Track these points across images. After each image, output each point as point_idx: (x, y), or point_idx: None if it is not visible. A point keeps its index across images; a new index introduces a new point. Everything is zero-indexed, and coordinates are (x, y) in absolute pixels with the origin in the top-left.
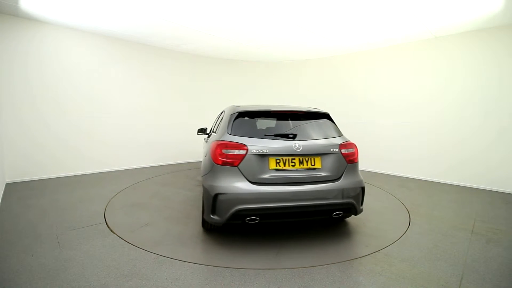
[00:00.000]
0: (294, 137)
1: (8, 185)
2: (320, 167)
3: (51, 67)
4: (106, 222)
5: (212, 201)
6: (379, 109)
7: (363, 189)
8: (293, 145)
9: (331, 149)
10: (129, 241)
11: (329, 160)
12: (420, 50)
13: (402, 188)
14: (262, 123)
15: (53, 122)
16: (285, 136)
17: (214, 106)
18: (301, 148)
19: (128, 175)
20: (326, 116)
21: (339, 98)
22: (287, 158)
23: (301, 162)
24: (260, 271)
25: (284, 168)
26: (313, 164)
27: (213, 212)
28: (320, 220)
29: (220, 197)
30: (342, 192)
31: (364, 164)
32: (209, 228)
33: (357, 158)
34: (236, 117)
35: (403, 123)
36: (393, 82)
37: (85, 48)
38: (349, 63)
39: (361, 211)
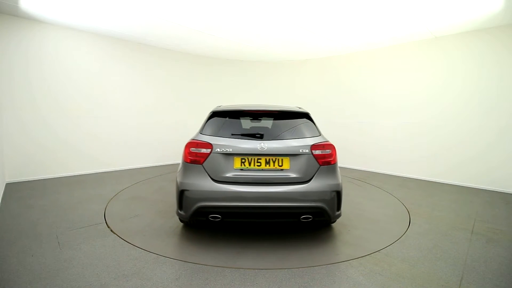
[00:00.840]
0: (261, 137)
1: (8, 185)
2: (289, 168)
3: (51, 67)
4: (106, 222)
5: (179, 197)
6: (379, 109)
7: (338, 193)
8: (258, 145)
9: (301, 150)
10: (129, 241)
11: (299, 161)
12: (420, 50)
13: (402, 188)
14: (235, 123)
15: (53, 122)
16: (252, 136)
17: (214, 105)
18: (266, 148)
19: (128, 175)
20: (305, 115)
21: (339, 98)
22: (252, 158)
23: (267, 163)
24: (260, 271)
25: (249, 168)
26: (280, 165)
27: (180, 207)
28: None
29: (185, 193)
30: (311, 195)
31: (364, 164)
32: (187, 223)
33: (334, 160)
34: (210, 117)
35: (403, 123)
36: (393, 82)
37: (85, 48)
38: (349, 63)
39: (337, 217)
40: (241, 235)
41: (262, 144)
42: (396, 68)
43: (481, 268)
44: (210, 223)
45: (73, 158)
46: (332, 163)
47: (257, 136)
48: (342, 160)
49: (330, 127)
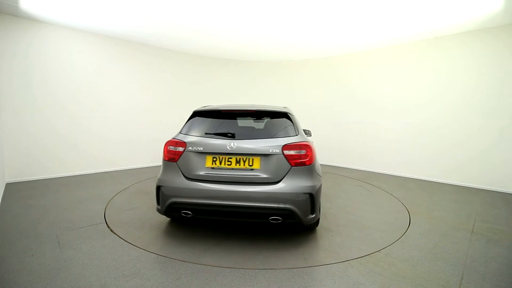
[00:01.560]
0: (232, 136)
1: (8, 185)
2: (259, 168)
3: (51, 66)
4: (106, 222)
5: (156, 193)
6: (379, 109)
7: (311, 195)
8: (228, 144)
9: (271, 150)
10: (129, 241)
11: (270, 162)
12: (420, 50)
13: (402, 188)
14: (212, 123)
15: (53, 121)
16: (224, 135)
17: (213, 105)
18: (235, 147)
19: (129, 174)
20: (284, 115)
21: (339, 98)
22: (223, 157)
23: (237, 162)
24: (260, 271)
25: (220, 166)
26: (250, 164)
27: (157, 202)
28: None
29: (161, 189)
30: (280, 196)
31: (364, 164)
32: (174, 218)
33: (310, 161)
34: (191, 117)
35: (403, 123)
36: (393, 82)
37: (85, 48)
38: (349, 63)
39: (311, 220)
40: (217, 232)
41: (231, 143)
42: (396, 68)
43: (481, 268)
44: (194, 220)
45: (73, 158)
46: (307, 164)
47: (228, 135)
48: (343, 160)
49: (330, 127)
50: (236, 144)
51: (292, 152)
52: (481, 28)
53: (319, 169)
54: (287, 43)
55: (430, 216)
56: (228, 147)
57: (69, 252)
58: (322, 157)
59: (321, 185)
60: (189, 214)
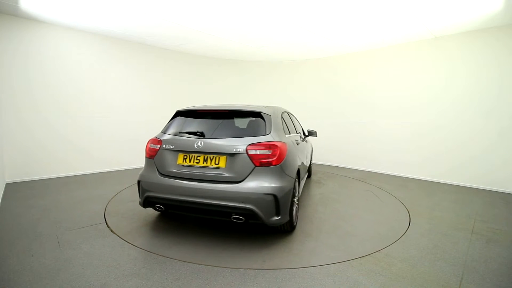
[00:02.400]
0: (202, 135)
1: (8, 185)
2: (224, 166)
3: (51, 66)
4: (106, 222)
5: (137, 186)
6: (379, 109)
7: (275, 197)
8: (195, 143)
9: (235, 149)
10: (129, 241)
11: (235, 161)
12: (420, 50)
13: (402, 188)
14: (189, 122)
15: (53, 121)
16: (195, 134)
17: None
18: (201, 146)
19: (129, 174)
20: (257, 114)
21: (339, 98)
22: (192, 155)
23: (205, 160)
24: (260, 271)
25: (189, 164)
26: (217, 163)
27: (139, 195)
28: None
29: (140, 183)
30: (240, 195)
31: (364, 164)
32: (163, 212)
33: (277, 161)
34: (174, 116)
35: (403, 123)
36: (393, 82)
37: (85, 47)
38: (349, 63)
39: (276, 223)
40: (189, 227)
41: (199, 142)
42: (396, 68)
43: (481, 268)
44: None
45: (74, 158)
46: (274, 164)
47: (198, 134)
48: (343, 160)
49: (331, 127)
50: (203, 143)
51: (256, 152)
52: (481, 28)
53: (292, 170)
54: (287, 43)
55: (430, 216)
56: (195, 145)
57: (69, 252)
58: (322, 157)
59: (292, 186)
60: (161, 208)
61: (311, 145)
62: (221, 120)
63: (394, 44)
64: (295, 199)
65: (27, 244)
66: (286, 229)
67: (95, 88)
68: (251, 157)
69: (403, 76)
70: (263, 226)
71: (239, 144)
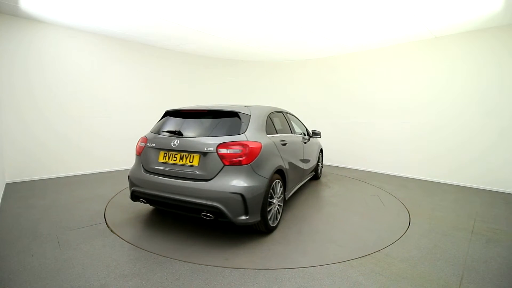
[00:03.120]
0: (180, 134)
1: (8, 185)
2: (197, 165)
3: (51, 66)
4: (106, 222)
5: (128, 181)
6: (379, 109)
7: (242, 196)
8: (172, 142)
9: (206, 148)
10: (129, 241)
11: (207, 159)
12: (420, 50)
13: (402, 188)
14: (173, 121)
15: (53, 121)
16: (174, 133)
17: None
18: (177, 144)
19: None
20: (234, 114)
21: (339, 98)
22: (170, 153)
23: (181, 158)
24: (260, 271)
25: (168, 162)
26: (191, 161)
27: (130, 189)
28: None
29: (129, 178)
30: (208, 193)
31: (364, 164)
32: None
33: (246, 160)
34: (163, 116)
35: (403, 123)
36: (393, 82)
37: (85, 47)
38: (348, 63)
39: (244, 222)
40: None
41: (175, 141)
42: (396, 68)
43: (481, 268)
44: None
45: (74, 158)
46: (243, 163)
47: (176, 133)
48: (343, 160)
49: (331, 127)
50: (178, 142)
51: (226, 151)
52: (481, 28)
53: (267, 170)
54: (287, 43)
55: (430, 216)
56: (172, 144)
57: (69, 252)
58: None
59: (265, 187)
60: (144, 202)
61: (319, 146)
62: (200, 120)
63: (394, 44)
64: (275, 200)
65: (27, 244)
66: (262, 230)
67: (95, 88)
68: (221, 156)
69: (403, 76)
70: (245, 226)
71: (210, 143)
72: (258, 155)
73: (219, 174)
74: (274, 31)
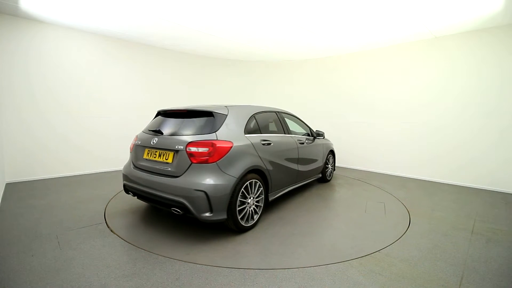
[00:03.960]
0: (159, 132)
1: (8, 185)
2: (171, 162)
3: (51, 66)
4: (106, 222)
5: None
6: (379, 109)
7: (206, 194)
8: (152, 140)
9: (177, 146)
10: (129, 240)
11: (179, 157)
12: (420, 50)
13: (402, 188)
14: (159, 121)
15: (53, 121)
16: (155, 131)
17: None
18: (156, 142)
19: None
20: (209, 114)
21: (339, 98)
22: (152, 150)
23: (159, 155)
24: (260, 271)
25: (149, 158)
26: (166, 158)
27: (122, 182)
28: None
29: (122, 173)
30: (175, 189)
31: (365, 164)
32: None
33: (212, 159)
34: (155, 116)
35: (403, 123)
36: (393, 82)
37: (85, 47)
38: (348, 63)
39: (208, 219)
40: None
41: (154, 139)
42: (396, 68)
43: (481, 268)
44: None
45: (74, 158)
46: (209, 161)
47: (157, 132)
48: (343, 160)
49: (330, 127)
50: (156, 140)
51: (194, 149)
52: (481, 28)
53: (236, 169)
54: (287, 43)
55: (430, 216)
56: (151, 142)
57: (69, 252)
58: None
59: (233, 185)
60: (133, 195)
61: (328, 148)
62: (180, 120)
63: (394, 44)
64: (249, 200)
65: (27, 244)
66: (232, 228)
67: (95, 88)
68: (189, 154)
69: (403, 76)
70: (218, 224)
71: (182, 142)
72: (225, 154)
73: (187, 171)
74: (274, 31)
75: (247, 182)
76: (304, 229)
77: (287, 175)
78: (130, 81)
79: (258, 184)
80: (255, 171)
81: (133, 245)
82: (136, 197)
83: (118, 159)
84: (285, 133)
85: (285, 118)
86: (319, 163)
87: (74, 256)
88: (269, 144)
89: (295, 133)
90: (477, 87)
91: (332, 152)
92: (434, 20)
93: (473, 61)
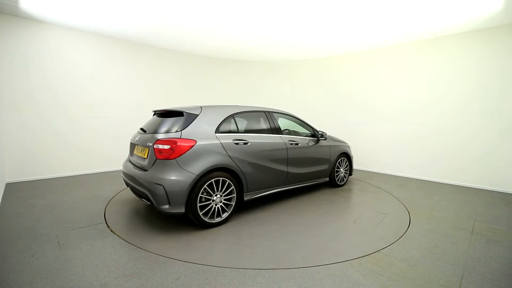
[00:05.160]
0: (144, 131)
1: (8, 185)
2: (146, 157)
3: (51, 66)
4: (106, 222)
5: None
6: (379, 109)
7: (164, 187)
8: (136, 138)
9: (148, 143)
10: (129, 241)
11: (150, 153)
12: (420, 50)
13: (402, 188)
14: (151, 120)
15: (53, 121)
16: (142, 130)
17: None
18: (137, 140)
19: None
20: (180, 114)
21: (339, 98)
22: (138, 147)
23: (141, 151)
24: (260, 271)
25: (136, 154)
26: (144, 154)
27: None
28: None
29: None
30: (142, 182)
31: (364, 163)
32: None
33: (172, 155)
34: (153, 115)
35: (403, 123)
36: (393, 82)
37: (85, 47)
38: (349, 63)
39: (166, 211)
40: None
41: (137, 137)
42: (396, 68)
43: (481, 268)
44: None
45: (74, 158)
46: (170, 158)
47: (143, 130)
48: None
49: (330, 127)
50: (138, 138)
51: (159, 146)
52: (481, 28)
53: (196, 167)
54: (286, 43)
55: (430, 216)
56: (136, 139)
57: (69, 252)
58: None
59: (192, 182)
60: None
61: (339, 151)
62: (160, 119)
63: (394, 44)
64: (215, 198)
65: (27, 244)
66: (194, 222)
67: (95, 88)
68: (156, 150)
69: (403, 76)
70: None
71: (152, 139)
72: (185, 152)
73: (153, 166)
74: (274, 31)
75: (212, 180)
76: (270, 232)
77: (271, 176)
78: (130, 80)
79: (228, 182)
80: (224, 170)
81: (133, 245)
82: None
83: (118, 159)
84: (273, 134)
85: (281, 118)
86: (324, 166)
87: (74, 256)
88: (245, 143)
89: (299, 134)
90: (477, 87)
91: (345, 155)
92: (434, 20)
93: (474, 62)
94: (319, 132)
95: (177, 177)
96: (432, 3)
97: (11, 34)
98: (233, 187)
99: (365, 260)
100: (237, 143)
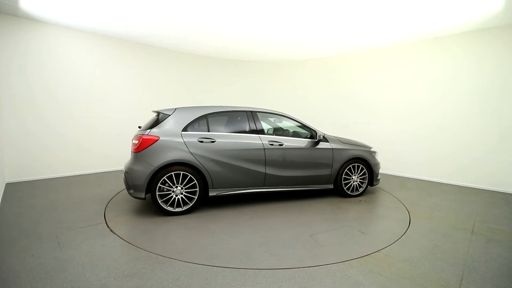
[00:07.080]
0: (139, 128)
1: (8, 185)
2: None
3: (51, 66)
4: (106, 222)
5: None
6: (379, 109)
7: (126, 173)
8: (134, 134)
9: (133, 140)
10: (129, 241)
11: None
12: (420, 50)
13: (402, 188)
14: (150, 119)
15: (53, 121)
16: (139, 128)
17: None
18: (133, 136)
19: None
20: (158, 114)
21: (339, 98)
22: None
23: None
24: (260, 271)
25: None
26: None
27: None
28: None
29: None
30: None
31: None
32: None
33: (137, 149)
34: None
35: (404, 123)
36: (393, 82)
37: (85, 47)
38: (348, 63)
39: (131, 194)
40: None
41: (134, 133)
42: (396, 68)
43: (481, 268)
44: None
45: (74, 158)
46: (136, 151)
47: (139, 127)
48: None
49: (331, 127)
50: (134, 134)
51: (134, 141)
52: (481, 28)
53: (156, 159)
54: (287, 43)
55: (430, 216)
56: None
57: (69, 252)
58: None
59: (150, 172)
60: None
61: (349, 156)
62: (152, 118)
63: (394, 44)
64: (176, 189)
65: (27, 244)
66: (156, 209)
67: (94, 88)
68: (132, 144)
69: (403, 76)
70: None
71: (136, 136)
72: (147, 146)
73: (130, 157)
74: (274, 31)
75: (172, 173)
76: (216, 229)
77: (243, 176)
78: (130, 80)
79: (189, 177)
80: (186, 165)
81: (133, 245)
82: None
83: (118, 158)
84: (252, 134)
85: (269, 119)
86: (324, 171)
87: (74, 256)
88: (212, 142)
89: (298, 135)
90: (478, 87)
91: (362, 161)
92: (435, 20)
93: (474, 62)
94: (319, 134)
95: (137, 167)
96: (432, 3)
97: (11, 34)
98: (195, 181)
99: (365, 260)
100: (201, 141)
